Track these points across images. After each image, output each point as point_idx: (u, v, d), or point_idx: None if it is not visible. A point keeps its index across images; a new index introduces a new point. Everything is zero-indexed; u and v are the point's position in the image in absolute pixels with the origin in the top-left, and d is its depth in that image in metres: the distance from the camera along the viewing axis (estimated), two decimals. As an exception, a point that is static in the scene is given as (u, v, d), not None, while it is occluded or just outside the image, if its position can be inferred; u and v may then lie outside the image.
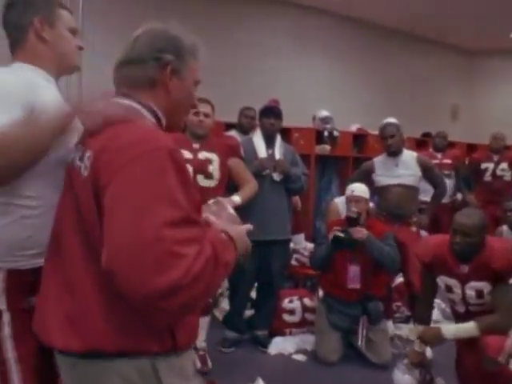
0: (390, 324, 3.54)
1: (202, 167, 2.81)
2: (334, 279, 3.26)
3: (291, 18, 6.27)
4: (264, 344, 3.38)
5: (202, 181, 2.80)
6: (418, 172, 3.57)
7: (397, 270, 3.35)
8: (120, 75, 1.17)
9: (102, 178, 0.99)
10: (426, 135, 6.74)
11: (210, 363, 2.98)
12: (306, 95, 6.16)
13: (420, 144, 6.41)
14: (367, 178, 3.62)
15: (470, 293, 2.45)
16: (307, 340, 3.45)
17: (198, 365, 2.89)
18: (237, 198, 2.70)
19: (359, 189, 3.27)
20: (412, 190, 3.57)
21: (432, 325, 2.69)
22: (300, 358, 3.27)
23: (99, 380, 1.04)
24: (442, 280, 2.56)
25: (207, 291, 0.98)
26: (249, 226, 1.21)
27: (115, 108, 1.09)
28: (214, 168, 2.85)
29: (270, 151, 3.32)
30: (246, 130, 4.19)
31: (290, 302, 3.64)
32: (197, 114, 2.88)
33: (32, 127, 1.17)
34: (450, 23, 6.95)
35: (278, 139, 3.41)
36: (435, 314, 3.40)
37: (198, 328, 1.20)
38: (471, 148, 7.04)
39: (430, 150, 5.40)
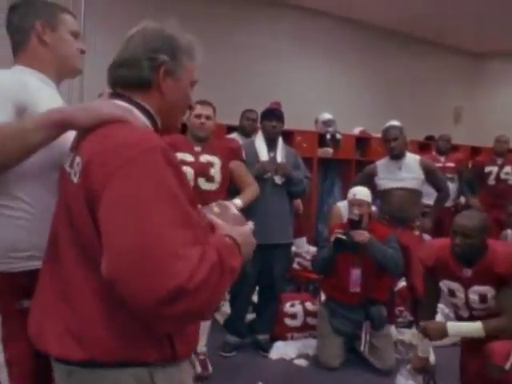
0: (392, 329, 3.51)
1: (203, 170, 2.80)
2: (337, 283, 3.24)
3: (291, 20, 6.28)
4: (265, 348, 3.36)
5: (203, 184, 2.78)
6: (420, 175, 3.55)
7: (400, 273, 3.32)
8: (114, 75, 1.15)
9: (95, 182, 0.96)
10: (429, 138, 6.72)
11: (210, 368, 2.96)
12: (306, 97, 6.16)
13: (423, 147, 6.39)
14: (370, 181, 3.60)
15: (474, 297, 2.43)
16: (309, 345, 3.43)
17: (199, 369, 2.87)
18: (238, 202, 2.69)
19: (361, 192, 3.25)
20: (415, 194, 3.55)
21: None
22: (301, 362, 3.25)
23: None
24: (444, 284, 2.54)
25: (212, 299, 0.94)
26: (252, 226, 1.17)
27: (110, 108, 1.07)
28: (216, 171, 2.83)
29: (272, 154, 3.31)
30: (247, 132, 4.18)
31: (292, 306, 3.62)
32: (198, 116, 2.87)
33: (14, 127, 1.14)
34: (451, 24, 6.93)
35: (280, 142, 3.39)
36: (439, 319, 3.37)
37: (198, 335, 1.18)
38: (475, 151, 7.00)
39: (433, 153, 5.37)
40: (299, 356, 3.32)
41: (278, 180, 3.24)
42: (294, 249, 3.99)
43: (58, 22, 1.43)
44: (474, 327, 2.31)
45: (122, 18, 4.67)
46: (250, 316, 3.66)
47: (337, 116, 5.50)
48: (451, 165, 5.18)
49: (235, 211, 1.24)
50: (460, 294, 2.47)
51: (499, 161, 5.19)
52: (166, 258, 0.87)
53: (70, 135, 1.16)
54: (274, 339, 3.46)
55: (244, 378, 2.96)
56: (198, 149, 2.86)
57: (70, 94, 3.91)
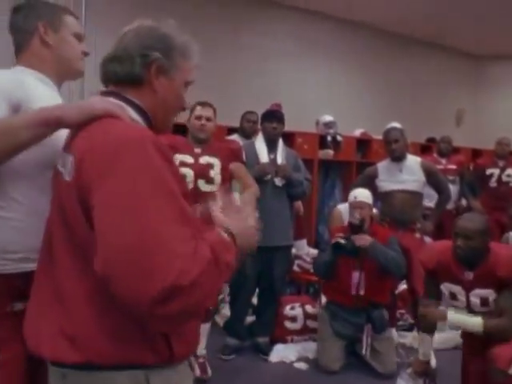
0: (393, 332, 3.49)
1: (203, 172, 2.78)
2: (338, 286, 3.22)
3: (292, 21, 6.27)
4: (265, 351, 3.34)
5: (203, 186, 2.77)
6: (422, 177, 3.54)
7: (403, 275, 3.30)
8: (106, 70, 1.14)
9: (88, 179, 0.94)
10: (431, 140, 6.71)
11: (209, 371, 2.94)
12: (307, 98, 6.15)
13: (424, 149, 6.38)
14: (370, 183, 3.59)
15: (475, 300, 2.42)
16: (309, 348, 3.41)
17: (198, 373, 2.85)
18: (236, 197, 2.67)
19: (362, 194, 3.23)
20: (416, 196, 3.53)
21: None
22: (301, 366, 3.23)
23: None
24: (446, 287, 2.52)
25: (208, 296, 0.92)
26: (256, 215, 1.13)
27: (103, 103, 1.06)
28: (216, 173, 2.82)
29: (272, 156, 3.29)
30: (247, 134, 4.17)
31: (292, 308, 3.60)
32: (199, 118, 2.86)
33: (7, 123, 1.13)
34: (452, 27, 6.92)
35: (281, 144, 3.38)
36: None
37: (199, 335, 1.15)
38: (476, 153, 6.99)
39: (435, 155, 5.35)
40: (299, 359, 3.30)
41: (278, 182, 3.22)
42: (294, 251, 3.98)
43: (60, 24, 1.43)
44: (474, 321, 2.32)
45: (122, 19, 4.63)
46: (250, 318, 3.64)
47: (337, 118, 5.49)
48: (452, 167, 5.16)
49: (238, 203, 1.20)
50: (461, 297, 2.46)
51: (501, 163, 5.18)
52: (163, 256, 0.85)
53: (64, 135, 1.14)
54: (273, 342, 3.44)
55: (243, 381, 2.95)
56: (198, 150, 2.85)
57: (70, 96, 3.90)
